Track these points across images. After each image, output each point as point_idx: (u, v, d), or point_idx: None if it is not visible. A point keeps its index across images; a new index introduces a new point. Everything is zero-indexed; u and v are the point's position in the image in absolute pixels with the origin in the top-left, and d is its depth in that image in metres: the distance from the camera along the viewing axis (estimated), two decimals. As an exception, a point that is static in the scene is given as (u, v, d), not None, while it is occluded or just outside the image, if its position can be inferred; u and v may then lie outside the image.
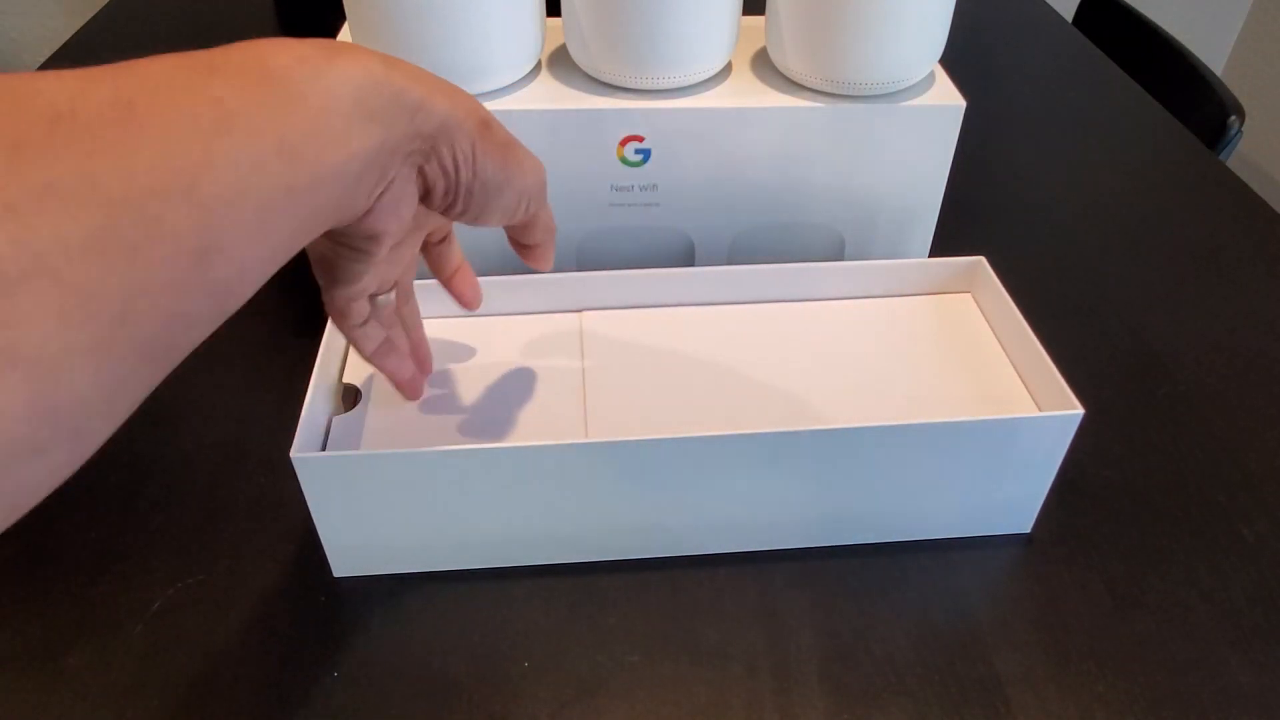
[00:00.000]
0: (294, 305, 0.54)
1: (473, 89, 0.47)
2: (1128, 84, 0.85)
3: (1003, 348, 0.47)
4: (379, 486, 0.38)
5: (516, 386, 0.45)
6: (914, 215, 0.53)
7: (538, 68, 0.51)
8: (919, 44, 0.47)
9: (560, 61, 0.51)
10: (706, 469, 0.39)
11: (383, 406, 0.43)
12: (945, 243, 0.54)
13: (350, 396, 0.44)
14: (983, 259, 0.49)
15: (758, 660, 0.38)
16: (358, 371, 0.44)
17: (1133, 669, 0.38)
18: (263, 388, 0.50)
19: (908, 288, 0.50)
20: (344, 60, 0.24)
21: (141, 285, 0.19)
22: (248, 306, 0.23)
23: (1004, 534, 0.44)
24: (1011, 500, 0.42)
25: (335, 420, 0.42)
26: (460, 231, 0.39)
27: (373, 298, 0.36)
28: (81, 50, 0.85)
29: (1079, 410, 0.39)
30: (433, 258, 0.39)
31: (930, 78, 0.50)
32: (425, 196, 0.30)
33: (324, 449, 0.41)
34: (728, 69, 0.51)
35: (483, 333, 0.47)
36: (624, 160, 0.49)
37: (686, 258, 0.54)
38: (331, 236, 0.30)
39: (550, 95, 0.48)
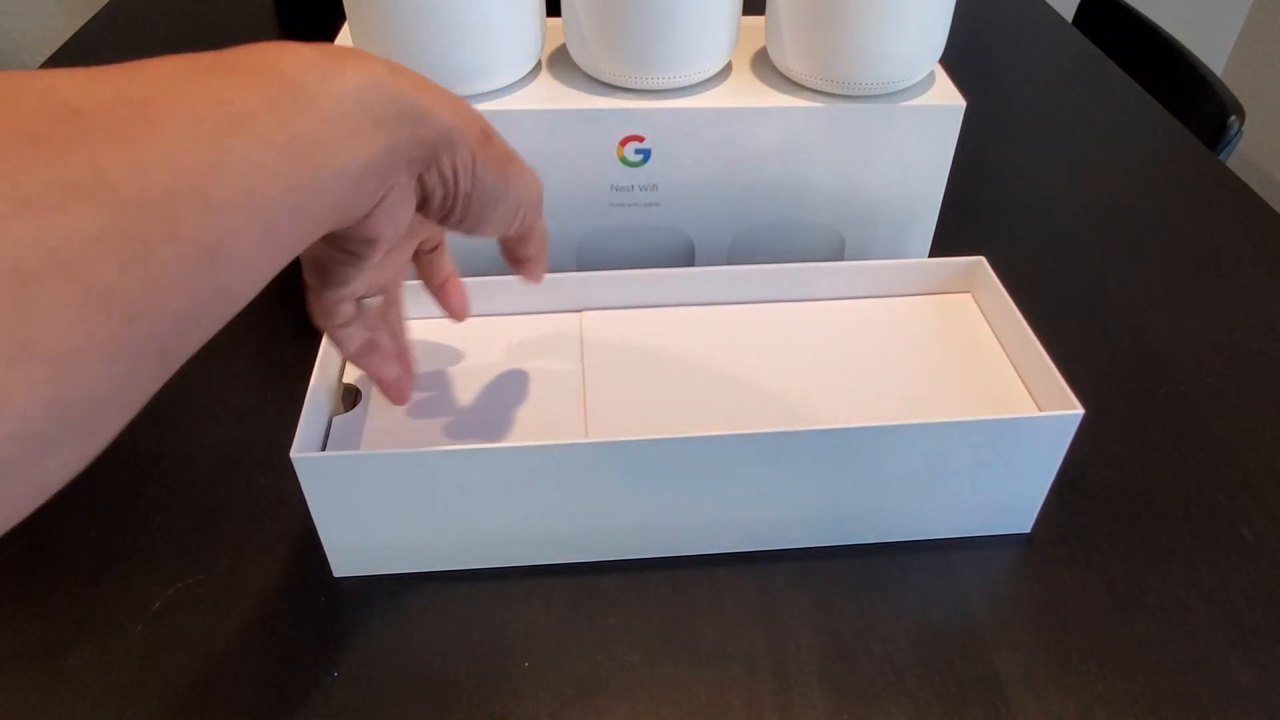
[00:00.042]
0: (294, 306, 0.54)
1: (473, 89, 0.47)
2: (1128, 84, 0.85)
3: (1003, 348, 0.47)
4: (379, 486, 0.38)
5: (516, 387, 0.45)
6: (914, 215, 0.53)
7: (538, 68, 0.51)
8: (919, 44, 0.47)
9: (560, 61, 0.51)
10: (706, 469, 0.39)
11: (383, 406, 0.43)
12: (945, 243, 0.54)
13: (350, 396, 0.44)
14: (983, 259, 0.49)
15: (758, 660, 0.38)
16: (358, 372, 0.44)
17: (1133, 669, 0.38)
18: (263, 388, 0.50)
19: (908, 288, 0.50)
20: (352, 66, 0.24)
21: (152, 284, 0.19)
22: (248, 307, 0.23)
23: (1004, 534, 0.44)
24: (1011, 500, 0.42)
25: (335, 420, 0.42)
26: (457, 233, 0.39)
27: (359, 300, 0.36)
28: (81, 50, 0.85)
29: (1079, 410, 0.39)
30: (423, 265, 0.39)
31: (930, 78, 0.50)
32: (423, 204, 0.30)
33: (324, 449, 0.41)
34: (728, 69, 0.51)
35: (483, 333, 0.47)
36: (624, 160, 0.49)
37: (686, 258, 0.54)
38: (327, 240, 0.30)
39: (550, 95, 0.48)
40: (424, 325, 0.47)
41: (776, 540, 0.42)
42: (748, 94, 0.49)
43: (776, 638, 0.39)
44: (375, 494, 0.38)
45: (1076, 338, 0.55)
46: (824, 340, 0.47)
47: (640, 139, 0.48)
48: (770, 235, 0.53)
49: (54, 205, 0.17)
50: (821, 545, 0.43)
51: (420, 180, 0.29)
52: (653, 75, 0.47)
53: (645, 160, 0.49)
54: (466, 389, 0.44)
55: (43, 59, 0.85)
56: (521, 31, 0.47)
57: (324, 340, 0.41)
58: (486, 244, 0.48)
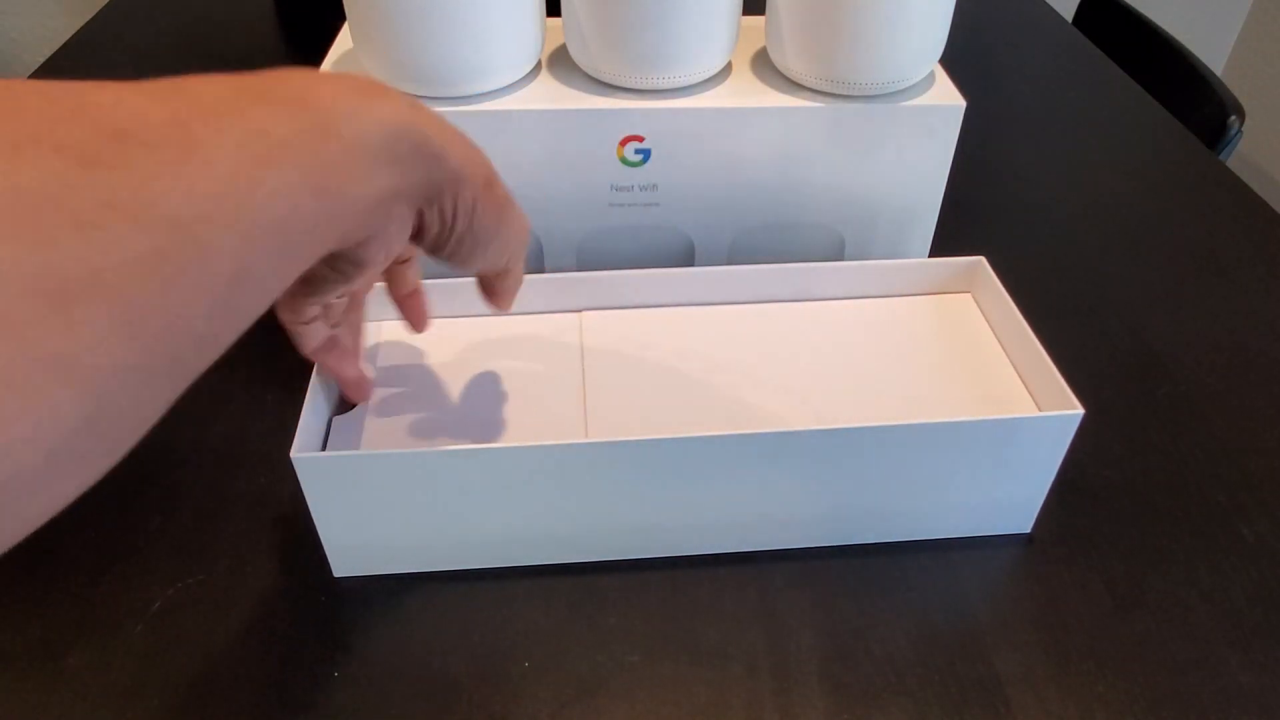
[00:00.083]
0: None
1: (473, 89, 0.47)
2: (1128, 84, 0.85)
3: (1003, 348, 0.47)
4: (379, 486, 0.38)
5: (516, 386, 0.45)
6: (914, 215, 0.53)
7: (538, 68, 0.51)
8: (919, 44, 0.47)
9: (560, 61, 0.51)
10: (706, 469, 0.39)
11: (383, 406, 0.43)
12: (945, 243, 0.54)
13: (350, 396, 0.44)
14: (983, 259, 0.49)
15: (758, 660, 0.38)
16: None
17: (1133, 669, 0.38)
18: (263, 388, 0.50)
19: (908, 288, 0.50)
20: (378, 103, 0.25)
21: (183, 306, 0.19)
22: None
23: (1004, 534, 0.44)
24: (1011, 500, 0.42)
25: (335, 420, 0.42)
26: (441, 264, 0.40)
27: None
28: (81, 50, 0.85)
29: (1079, 410, 0.39)
30: (393, 274, 0.40)
31: (930, 78, 0.50)
32: (416, 235, 0.31)
33: (324, 449, 0.41)
34: (728, 69, 0.51)
35: (482, 333, 0.47)
36: (624, 160, 0.49)
37: (686, 258, 0.54)
38: None
39: (550, 95, 0.48)
40: (425, 325, 0.47)
41: (776, 540, 0.42)
42: (748, 94, 0.49)
43: (776, 638, 0.39)
44: (375, 494, 0.38)
45: (1076, 338, 0.55)
46: (824, 340, 0.47)
47: (640, 139, 0.48)
48: (770, 235, 0.53)
49: (100, 225, 0.17)
50: (821, 545, 0.43)
51: (420, 214, 0.29)
52: (653, 75, 0.47)
53: (645, 160, 0.49)
54: (466, 389, 0.44)
55: (43, 59, 0.85)
56: (521, 31, 0.47)
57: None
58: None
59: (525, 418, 0.43)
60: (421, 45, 0.45)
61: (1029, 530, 0.44)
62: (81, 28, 0.89)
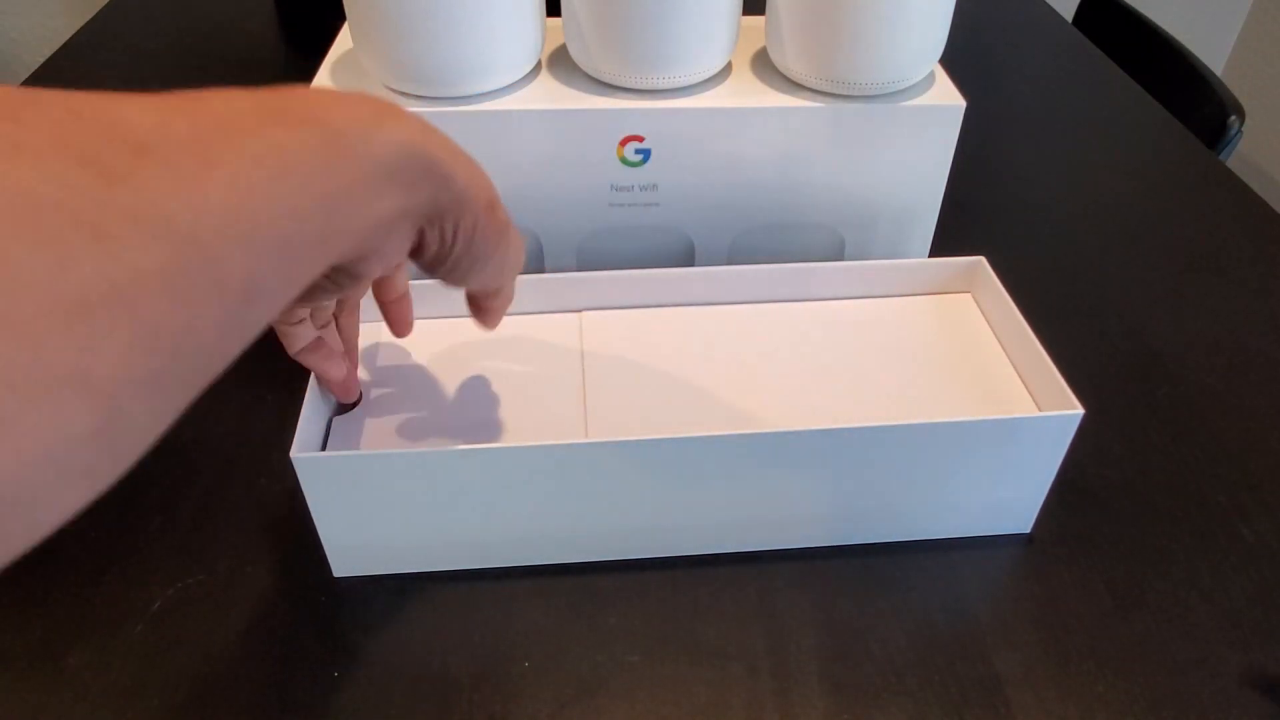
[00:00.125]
0: (294, 305, 0.54)
1: (473, 89, 0.47)
2: (1128, 84, 0.85)
3: (1003, 348, 0.47)
4: (379, 486, 0.38)
5: (516, 386, 0.45)
6: (914, 215, 0.53)
7: (538, 68, 0.51)
8: (919, 44, 0.47)
9: (560, 61, 0.51)
10: (706, 469, 0.39)
11: (383, 406, 0.43)
12: (945, 243, 0.54)
13: (350, 396, 0.44)
14: (983, 259, 0.49)
15: (758, 660, 0.38)
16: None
17: (1133, 669, 0.38)
18: (263, 388, 0.50)
19: (908, 288, 0.50)
20: (392, 124, 0.26)
21: (195, 320, 0.19)
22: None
23: (1004, 534, 0.44)
24: (1011, 500, 0.42)
25: (335, 420, 0.42)
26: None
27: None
28: (81, 50, 0.85)
29: (1079, 410, 0.39)
30: (381, 280, 0.40)
31: (930, 78, 0.50)
32: (414, 252, 0.31)
33: (324, 449, 0.41)
34: (728, 69, 0.51)
35: (482, 333, 0.47)
36: (624, 160, 0.49)
37: (686, 258, 0.54)
38: None
39: (550, 95, 0.48)
40: (425, 325, 0.47)
41: (776, 540, 0.42)
42: (748, 94, 0.49)
43: (776, 638, 0.39)
44: (375, 494, 0.38)
45: (1076, 338, 0.55)
46: (824, 340, 0.47)
47: (640, 139, 0.48)
48: (770, 235, 0.53)
49: (121, 239, 0.17)
50: (821, 545, 0.43)
51: (420, 232, 0.29)
52: (653, 75, 0.47)
53: (645, 160, 0.49)
54: (466, 389, 0.44)
55: (43, 59, 0.85)
56: (521, 31, 0.47)
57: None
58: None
59: (525, 418, 0.43)
60: (421, 45, 0.45)
61: (1029, 530, 0.44)
62: (81, 28, 0.89)
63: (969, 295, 0.50)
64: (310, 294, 0.33)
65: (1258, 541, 0.44)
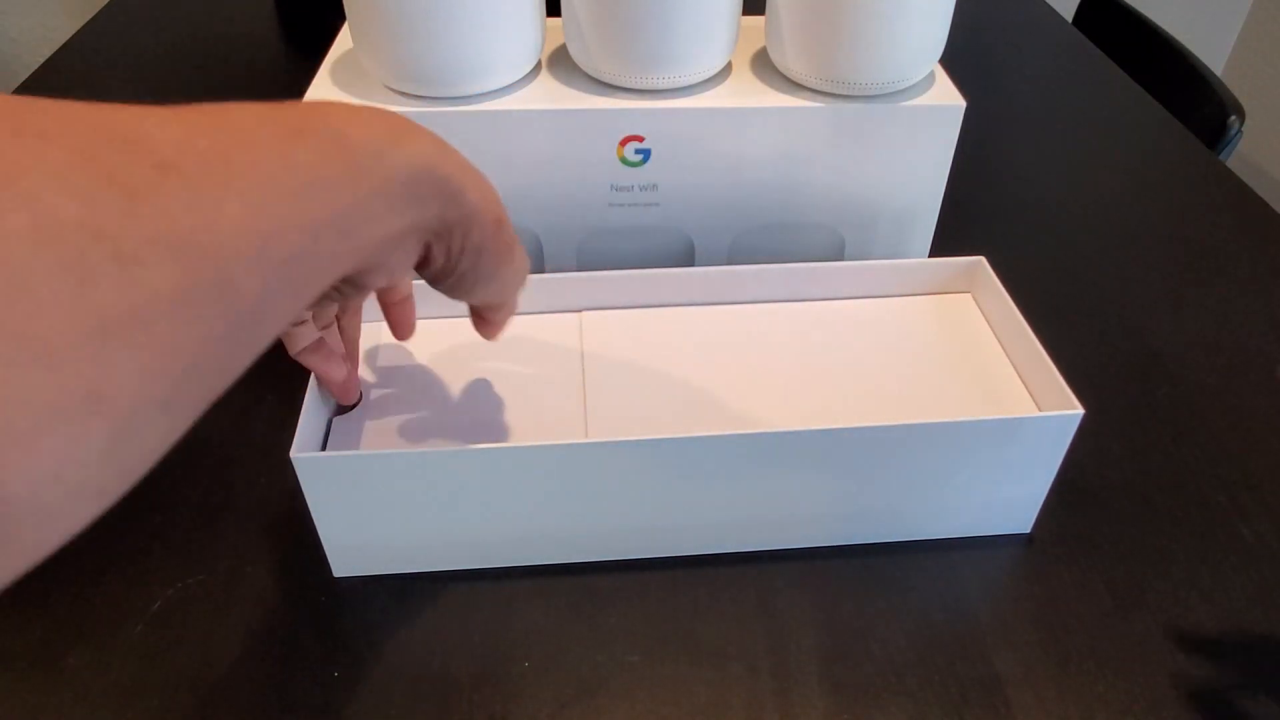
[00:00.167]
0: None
1: (473, 89, 0.47)
2: (1128, 84, 0.85)
3: (1003, 348, 0.47)
4: (379, 486, 0.38)
5: (516, 386, 0.45)
6: (914, 215, 0.53)
7: (538, 68, 0.51)
8: (919, 44, 0.47)
9: (560, 61, 0.51)
10: (706, 469, 0.39)
11: (383, 407, 0.43)
12: (945, 243, 0.54)
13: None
14: (983, 259, 0.49)
15: (758, 660, 0.38)
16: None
17: (1133, 669, 0.38)
18: (263, 388, 0.50)
19: (908, 288, 0.50)
20: (407, 143, 0.26)
21: (208, 340, 0.19)
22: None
23: (1004, 534, 0.44)
24: (1011, 500, 0.42)
25: (335, 420, 0.42)
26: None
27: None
28: (81, 50, 0.85)
29: (1079, 410, 0.39)
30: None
31: (930, 78, 0.50)
32: (420, 265, 0.31)
33: (324, 449, 0.41)
34: (728, 69, 0.51)
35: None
36: (624, 160, 0.49)
37: (686, 258, 0.54)
38: None
39: (550, 95, 0.48)
40: (425, 326, 0.47)
41: (776, 540, 0.42)
42: (748, 94, 0.49)
43: (776, 638, 0.39)
44: (375, 494, 0.38)
45: (1076, 338, 0.55)
46: (824, 340, 0.47)
47: (640, 139, 0.48)
48: (770, 235, 0.53)
49: (141, 260, 0.17)
50: (821, 545, 0.43)
51: (427, 246, 0.30)
52: (653, 75, 0.47)
53: (645, 160, 0.49)
54: (466, 389, 0.44)
55: (42, 59, 0.85)
56: (521, 31, 0.47)
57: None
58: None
59: (525, 418, 0.43)
60: (421, 45, 0.45)
61: (1029, 530, 0.44)
62: (81, 28, 0.89)
63: (969, 295, 0.50)
64: (313, 301, 0.33)
65: (1258, 541, 0.44)
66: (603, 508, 0.39)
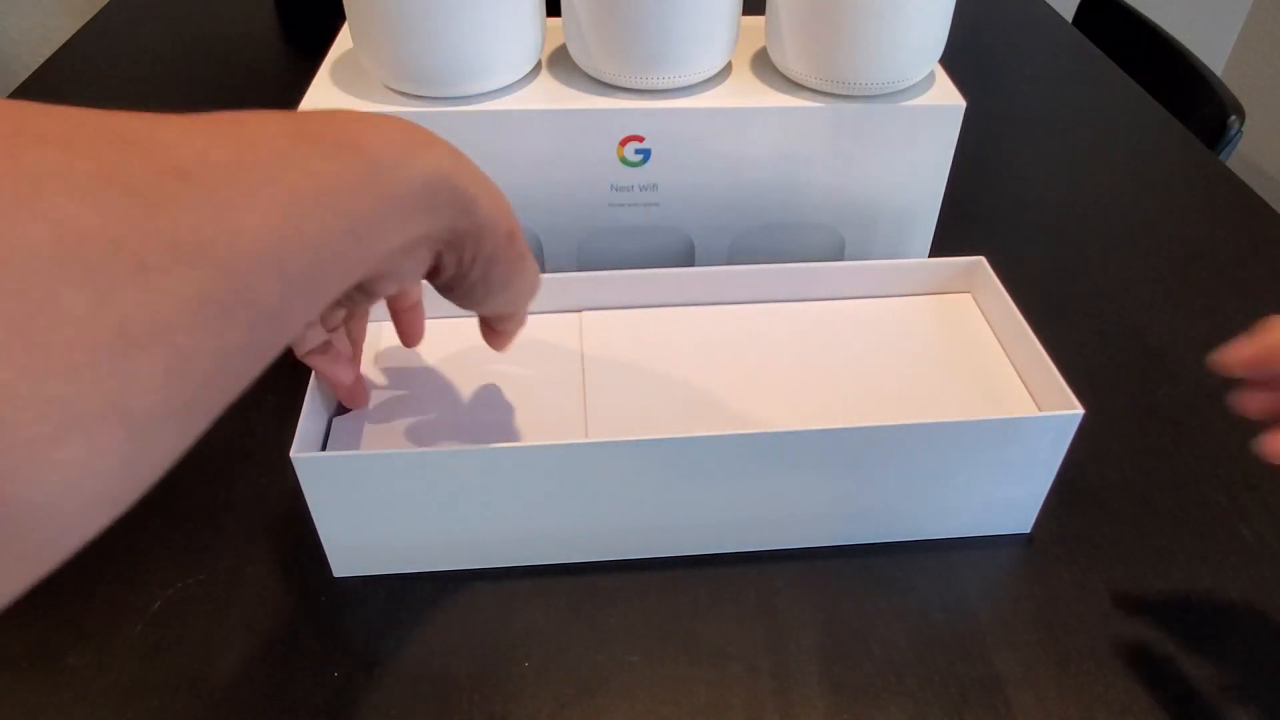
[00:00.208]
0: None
1: (473, 89, 0.47)
2: (1128, 84, 0.85)
3: (1003, 348, 0.47)
4: (379, 486, 0.38)
5: (516, 387, 0.45)
6: (914, 215, 0.53)
7: (538, 68, 0.51)
8: (919, 44, 0.47)
9: (560, 61, 0.51)
10: (706, 469, 0.39)
11: (383, 407, 0.43)
12: (945, 243, 0.54)
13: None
14: (983, 259, 0.49)
15: (758, 660, 0.38)
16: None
17: (1133, 669, 0.38)
18: (263, 388, 0.50)
19: (908, 288, 0.50)
20: (424, 152, 0.26)
21: (226, 349, 0.19)
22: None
23: (1004, 534, 0.44)
24: (1011, 500, 0.42)
25: (335, 420, 0.42)
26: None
27: None
28: (82, 50, 0.85)
29: (1079, 410, 0.39)
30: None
31: (930, 78, 0.50)
32: (430, 274, 0.31)
33: (324, 449, 0.41)
34: (728, 69, 0.51)
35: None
36: (624, 160, 0.49)
37: (686, 258, 0.54)
38: None
39: (550, 95, 0.48)
40: (425, 324, 0.47)
41: (776, 540, 0.42)
42: (748, 94, 0.49)
43: (776, 638, 0.39)
44: (375, 494, 0.38)
45: (1076, 338, 0.55)
46: (824, 340, 0.47)
47: (640, 139, 0.48)
48: (770, 235, 0.53)
49: (162, 270, 0.18)
50: (821, 545, 0.43)
51: (438, 256, 0.30)
52: (653, 75, 0.47)
53: (645, 160, 0.49)
54: (466, 389, 0.44)
55: (42, 59, 0.85)
56: (521, 31, 0.47)
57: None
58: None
59: (525, 418, 0.43)
60: (421, 45, 0.45)
61: (1029, 530, 0.44)
62: (81, 28, 0.89)
63: (969, 295, 0.50)
64: (327, 307, 0.33)
65: (1258, 541, 0.44)
66: (603, 508, 0.39)
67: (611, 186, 0.50)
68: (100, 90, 0.79)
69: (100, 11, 0.93)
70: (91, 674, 0.37)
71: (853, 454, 0.39)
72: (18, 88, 0.80)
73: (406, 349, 0.46)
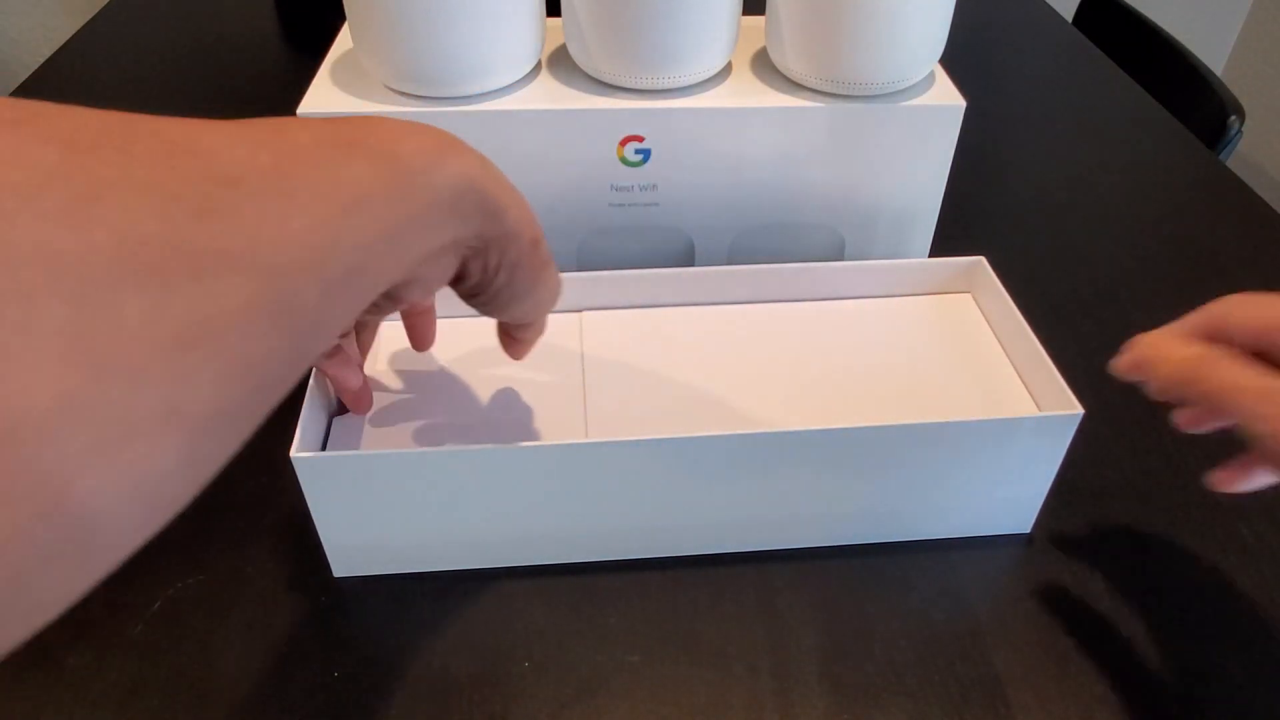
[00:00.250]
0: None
1: (473, 89, 0.47)
2: (1128, 84, 0.85)
3: (1003, 348, 0.47)
4: (379, 486, 0.38)
5: (516, 387, 0.45)
6: (914, 215, 0.53)
7: (538, 68, 0.51)
8: (919, 44, 0.47)
9: (560, 61, 0.51)
10: (706, 469, 0.39)
11: (383, 407, 0.43)
12: (945, 243, 0.54)
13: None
14: (983, 259, 0.49)
15: (758, 660, 0.38)
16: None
17: (1133, 669, 0.38)
18: (263, 388, 0.50)
19: (908, 288, 0.50)
20: (455, 159, 0.26)
21: (272, 353, 0.20)
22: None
23: (1004, 534, 0.44)
24: (1011, 500, 0.42)
25: (335, 420, 0.42)
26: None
27: None
28: (82, 50, 0.85)
29: (1079, 410, 0.39)
30: None
31: (930, 78, 0.50)
32: (454, 280, 0.31)
33: (324, 449, 0.41)
34: (728, 69, 0.51)
35: (483, 333, 0.47)
36: (624, 160, 0.49)
37: (686, 258, 0.54)
38: None
39: (550, 95, 0.48)
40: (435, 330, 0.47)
41: (777, 540, 0.42)
42: (748, 94, 0.49)
43: (776, 638, 0.39)
44: (375, 494, 0.38)
45: (1076, 338, 0.55)
46: (824, 340, 0.47)
47: (640, 139, 0.48)
48: (770, 235, 0.53)
49: (214, 273, 0.18)
50: (822, 545, 0.43)
51: (464, 262, 0.30)
52: (653, 75, 0.47)
53: (645, 160, 0.49)
54: (467, 389, 0.44)
55: (42, 59, 0.85)
56: (521, 31, 0.47)
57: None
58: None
59: (525, 418, 0.43)
60: (421, 45, 0.45)
61: (1029, 530, 0.44)
62: (81, 28, 0.89)
63: (969, 295, 0.50)
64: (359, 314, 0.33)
65: (1258, 541, 0.44)
66: (603, 508, 0.40)
67: (611, 186, 0.50)
68: (100, 90, 0.79)
69: (100, 11, 0.93)
70: (91, 674, 0.37)
71: (852, 454, 0.39)
72: (18, 88, 0.80)
73: (407, 350, 0.46)
